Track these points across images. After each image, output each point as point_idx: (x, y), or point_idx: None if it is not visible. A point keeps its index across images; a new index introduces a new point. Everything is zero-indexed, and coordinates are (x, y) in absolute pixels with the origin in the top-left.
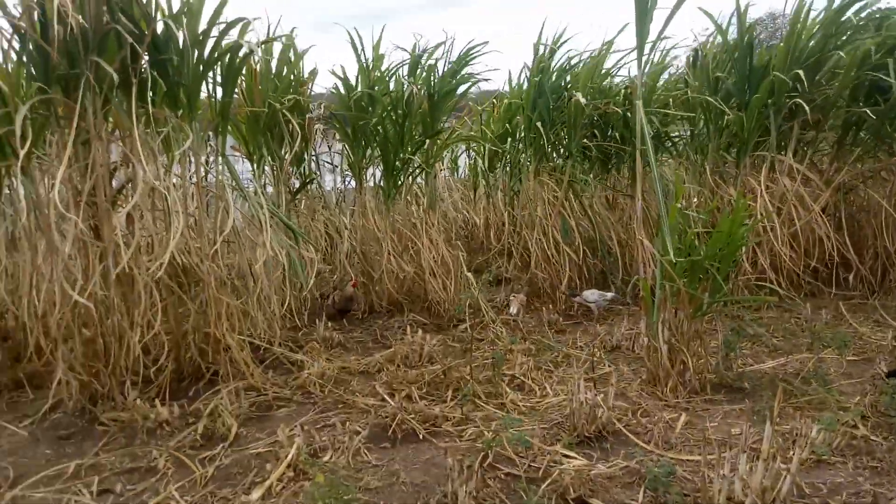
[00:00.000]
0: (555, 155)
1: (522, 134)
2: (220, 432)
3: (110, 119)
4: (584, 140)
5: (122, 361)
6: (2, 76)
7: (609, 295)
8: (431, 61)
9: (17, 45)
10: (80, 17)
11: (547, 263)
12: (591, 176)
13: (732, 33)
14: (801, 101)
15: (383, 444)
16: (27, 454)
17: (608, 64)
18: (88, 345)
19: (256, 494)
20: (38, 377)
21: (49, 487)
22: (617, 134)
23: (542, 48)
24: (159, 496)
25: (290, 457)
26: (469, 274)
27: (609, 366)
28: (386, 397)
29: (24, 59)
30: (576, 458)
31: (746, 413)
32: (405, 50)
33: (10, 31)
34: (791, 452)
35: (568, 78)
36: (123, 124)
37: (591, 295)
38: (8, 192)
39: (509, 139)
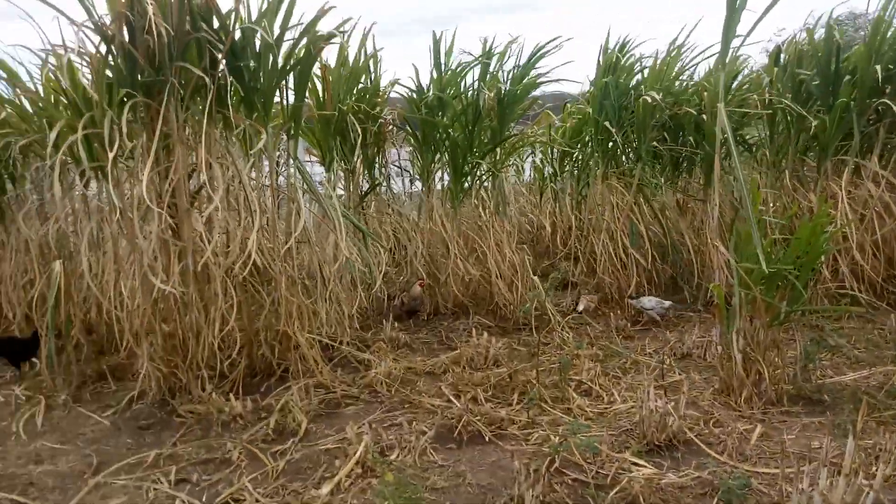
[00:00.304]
0: (623, 158)
1: (590, 137)
2: (291, 427)
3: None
4: (654, 143)
5: (198, 356)
6: (96, 83)
7: (667, 303)
8: (499, 67)
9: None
10: (167, 25)
11: (615, 268)
12: (662, 179)
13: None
14: (889, 102)
15: (449, 445)
16: (109, 443)
17: (679, 65)
18: (168, 339)
19: (326, 489)
20: (120, 369)
21: (130, 475)
22: (690, 137)
23: (609, 50)
24: (233, 487)
25: (358, 454)
26: (535, 277)
27: (679, 374)
28: (452, 398)
29: (113, 66)
30: (645, 467)
31: (826, 426)
32: (471, 54)
33: (100, 39)
34: (874, 468)
35: (637, 79)
36: (202, 128)
37: (649, 301)
38: (94, 192)
39: (578, 143)
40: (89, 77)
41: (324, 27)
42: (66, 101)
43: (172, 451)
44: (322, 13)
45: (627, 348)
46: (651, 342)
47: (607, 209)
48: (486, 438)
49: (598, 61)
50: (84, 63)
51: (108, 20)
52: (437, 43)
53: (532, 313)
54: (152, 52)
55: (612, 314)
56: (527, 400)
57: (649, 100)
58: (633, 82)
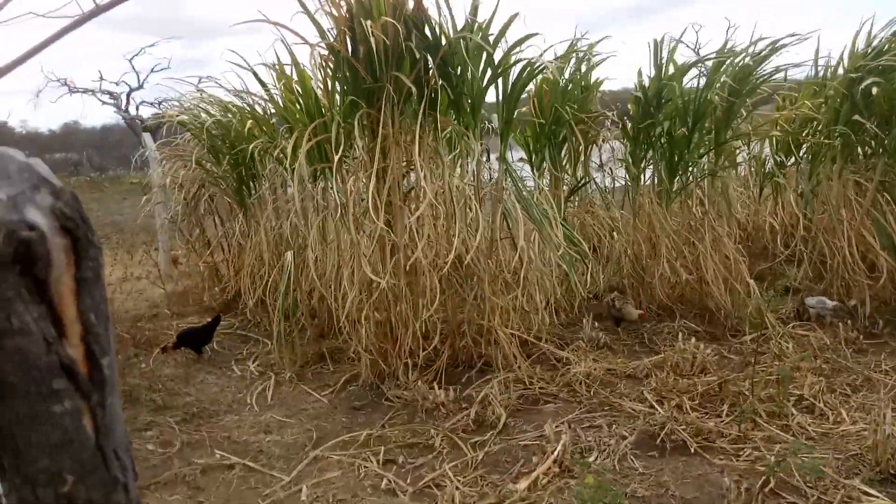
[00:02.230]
0: (860, 152)
1: (824, 128)
2: (490, 420)
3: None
4: None
5: (406, 344)
6: (325, 92)
7: (830, 303)
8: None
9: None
10: (384, 37)
11: (850, 272)
12: None
13: None
14: None
15: (650, 453)
16: (327, 420)
17: None
18: (379, 327)
19: (523, 484)
20: (337, 353)
21: (344, 451)
22: None
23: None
24: (435, 473)
25: (556, 452)
26: (751, 281)
27: None
28: (654, 404)
29: (338, 77)
30: (878, 498)
31: None
32: (688, 45)
33: (328, 52)
34: None
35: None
36: (415, 131)
37: (811, 300)
38: (321, 190)
39: (808, 135)
40: (320, 87)
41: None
42: (299, 109)
43: (381, 432)
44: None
45: (859, 363)
46: (889, 358)
47: (843, 207)
48: (692, 450)
49: (850, 44)
50: (316, 76)
51: (332, 36)
52: (658, 44)
53: (748, 319)
54: (371, 62)
55: (841, 324)
56: (738, 412)
57: None
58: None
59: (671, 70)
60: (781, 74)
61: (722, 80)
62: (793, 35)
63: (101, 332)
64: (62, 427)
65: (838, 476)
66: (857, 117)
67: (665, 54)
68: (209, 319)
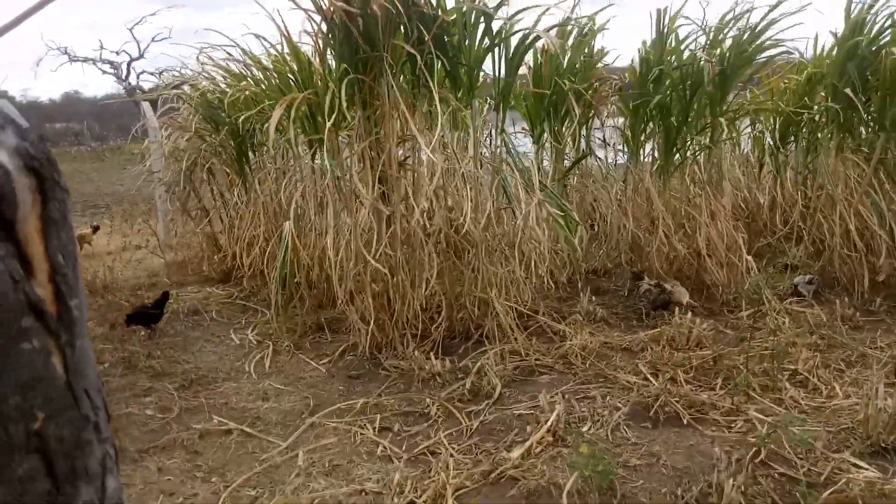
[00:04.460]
0: (862, 129)
1: (823, 105)
2: (486, 390)
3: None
4: None
5: (403, 315)
6: (319, 61)
7: (808, 277)
8: (723, 34)
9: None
10: (383, 2)
11: (848, 250)
12: None
13: None
14: None
15: (643, 424)
16: (324, 388)
17: None
18: (377, 298)
19: (517, 453)
20: (335, 323)
21: (340, 419)
22: None
23: (855, 7)
24: (430, 440)
25: (550, 422)
26: (749, 257)
27: None
28: (649, 377)
29: (332, 44)
30: (867, 469)
31: None
32: (692, 20)
33: (321, 19)
34: None
35: (886, 36)
36: (410, 101)
37: (798, 278)
38: (318, 161)
39: (805, 112)
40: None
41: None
42: (293, 79)
43: (378, 400)
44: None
45: (854, 339)
46: (884, 335)
47: (840, 184)
48: (685, 421)
49: (845, 15)
50: (309, 43)
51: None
52: (660, 16)
53: (745, 295)
54: (367, 30)
55: (837, 301)
56: (732, 385)
57: None
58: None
59: (672, 43)
60: (776, 49)
61: (717, 51)
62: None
63: (69, 274)
64: (32, 365)
65: (828, 449)
66: (848, 90)
67: (666, 24)
68: (209, 289)
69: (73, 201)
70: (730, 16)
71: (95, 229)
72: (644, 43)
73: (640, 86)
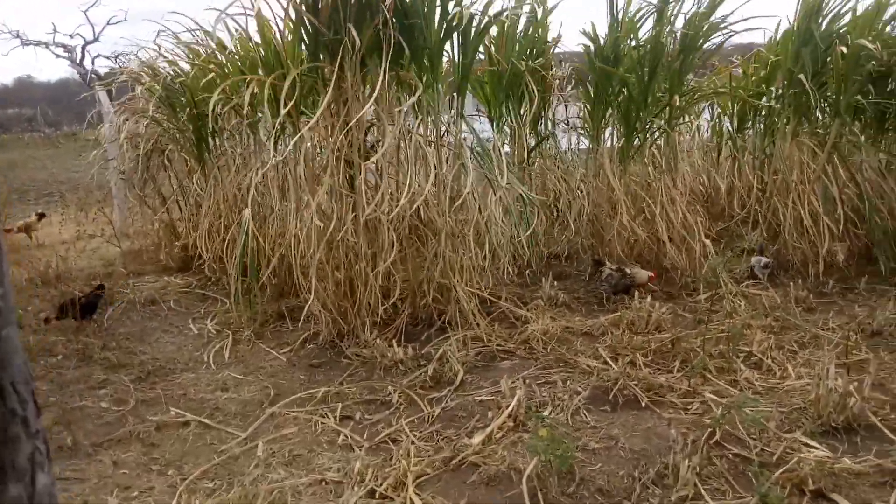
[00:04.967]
0: (818, 114)
1: (780, 91)
2: (448, 377)
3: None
4: (857, 97)
5: (366, 303)
6: (283, 44)
7: (763, 260)
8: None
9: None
10: None
11: (801, 234)
12: (864, 138)
13: None
14: None
15: (603, 407)
16: (285, 377)
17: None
18: (339, 286)
19: (478, 439)
20: (297, 311)
21: (301, 408)
22: None
23: None
24: (391, 428)
25: (511, 407)
26: (707, 241)
27: (867, 352)
28: (608, 360)
29: (294, 27)
30: (817, 449)
31: None
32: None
33: (286, 3)
34: None
35: (842, 23)
36: (374, 85)
37: (753, 259)
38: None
39: (763, 98)
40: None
41: None
42: (259, 61)
43: (339, 389)
44: None
45: (807, 321)
46: (836, 316)
47: (796, 169)
48: (643, 404)
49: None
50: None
51: None
52: None
53: (702, 279)
54: (330, 14)
55: (791, 284)
56: (689, 368)
57: (858, 47)
58: (837, 28)
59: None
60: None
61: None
62: None
63: None
64: None
65: (780, 429)
66: (801, 76)
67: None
68: (169, 278)
69: (25, 189)
70: None
71: (41, 217)
72: (593, 24)
73: (599, 68)
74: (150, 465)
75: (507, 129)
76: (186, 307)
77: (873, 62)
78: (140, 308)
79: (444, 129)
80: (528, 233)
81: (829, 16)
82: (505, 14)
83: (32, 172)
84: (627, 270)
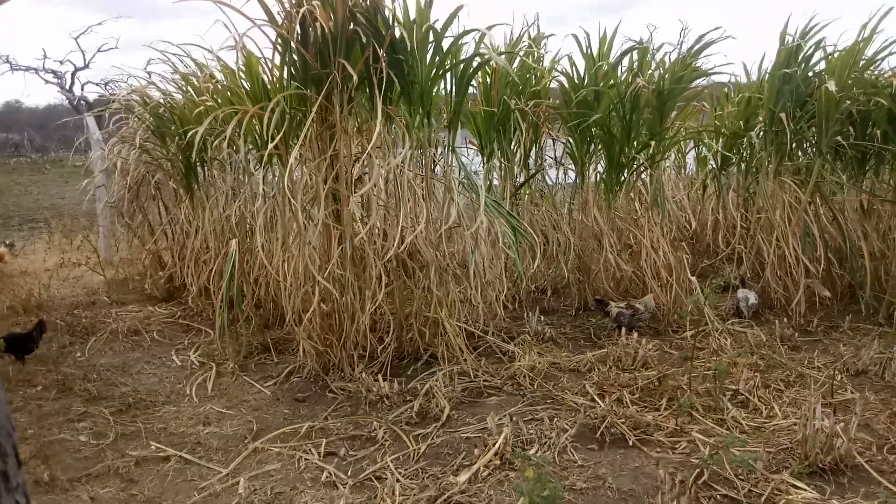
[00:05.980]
0: (800, 154)
1: (761, 130)
2: (434, 412)
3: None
4: (837, 138)
5: (352, 336)
6: (270, 78)
7: (751, 299)
8: (661, 54)
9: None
10: (331, 23)
11: (783, 272)
12: (845, 178)
13: None
14: None
15: (590, 446)
16: (269, 411)
17: (870, 51)
18: (325, 319)
19: (464, 477)
20: (282, 343)
21: (284, 444)
22: (879, 131)
23: (789, 37)
24: (376, 465)
25: (497, 445)
26: (693, 278)
27: (852, 392)
28: (596, 398)
29: (286, 61)
30: (805, 490)
31: None
32: (637, 42)
33: (275, 37)
34: None
35: (821, 66)
36: (363, 120)
37: (739, 293)
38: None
39: (745, 137)
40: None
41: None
42: (245, 94)
43: (324, 424)
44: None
45: (793, 360)
46: (821, 355)
47: (778, 208)
48: (630, 442)
49: (779, 44)
50: (262, 59)
51: (280, 19)
52: (580, 38)
53: (687, 315)
54: (319, 48)
55: (777, 321)
56: (676, 406)
57: (835, 89)
58: (816, 70)
59: (605, 68)
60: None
61: (653, 73)
62: (717, 28)
63: None
64: None
65: (768, 470)
66: (782, 115)
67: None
68: (156, 308)
69: (9, 215)
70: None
71: (10, 246)
72: (572, 61)
73: (578, 107)
74: (129, 501)
75: (496, 162)
76: (170, 338)
77: (856, 103)
78: (122, 338)
79: (434, 163)
80: (518, 267)
81: (806, 58)
82: (501, 57)
83: (17, 198)
84: (639, 307)
